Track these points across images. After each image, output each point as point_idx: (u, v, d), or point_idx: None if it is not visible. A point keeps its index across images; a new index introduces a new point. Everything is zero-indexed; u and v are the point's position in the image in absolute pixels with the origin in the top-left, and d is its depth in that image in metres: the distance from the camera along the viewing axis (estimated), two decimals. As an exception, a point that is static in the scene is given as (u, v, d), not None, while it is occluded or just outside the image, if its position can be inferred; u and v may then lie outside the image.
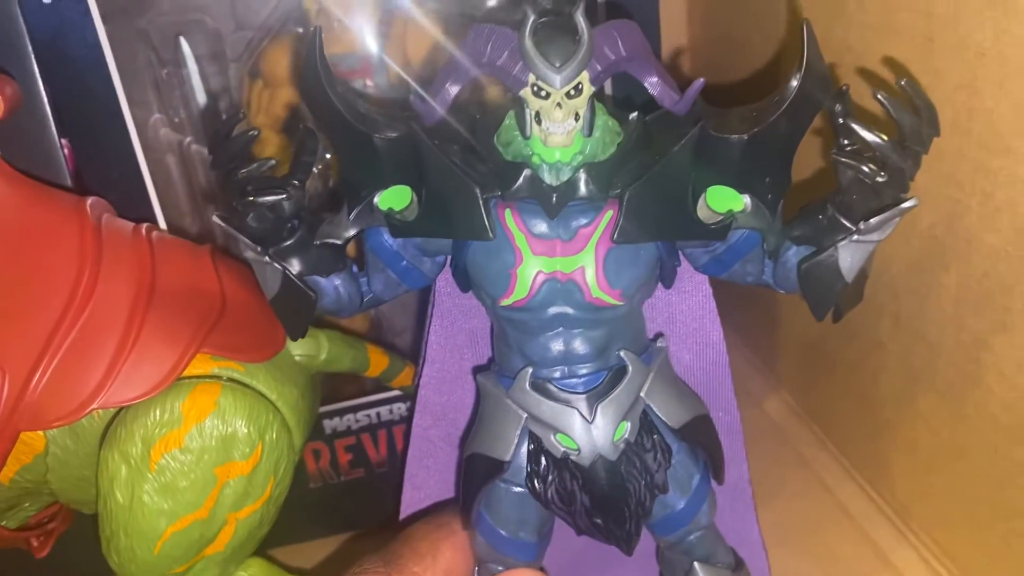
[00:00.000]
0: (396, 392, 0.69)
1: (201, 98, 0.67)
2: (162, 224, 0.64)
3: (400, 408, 0.70)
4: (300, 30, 0.67)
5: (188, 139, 0.67)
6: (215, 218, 0.44)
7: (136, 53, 0.64)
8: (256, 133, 0.43)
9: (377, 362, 0.64)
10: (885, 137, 0.40)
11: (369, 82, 0.66)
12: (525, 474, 0.47)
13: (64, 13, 0.58)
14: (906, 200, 0.41)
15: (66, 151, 0.62)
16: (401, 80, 0.66)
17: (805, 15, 0.66)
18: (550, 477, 0.47)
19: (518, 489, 0.48)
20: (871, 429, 0.68)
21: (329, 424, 0.70)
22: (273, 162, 0.43)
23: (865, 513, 0.68)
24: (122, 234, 0.55)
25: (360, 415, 0.70)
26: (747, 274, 0.47)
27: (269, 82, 0.68)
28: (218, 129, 0.43)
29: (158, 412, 0.51)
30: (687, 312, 0.52)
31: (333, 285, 0.47)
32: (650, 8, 0.65)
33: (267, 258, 0.44)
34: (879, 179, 0.41)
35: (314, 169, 0.45)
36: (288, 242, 0.45)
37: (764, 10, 0.72)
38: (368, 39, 0.66)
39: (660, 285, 0.49)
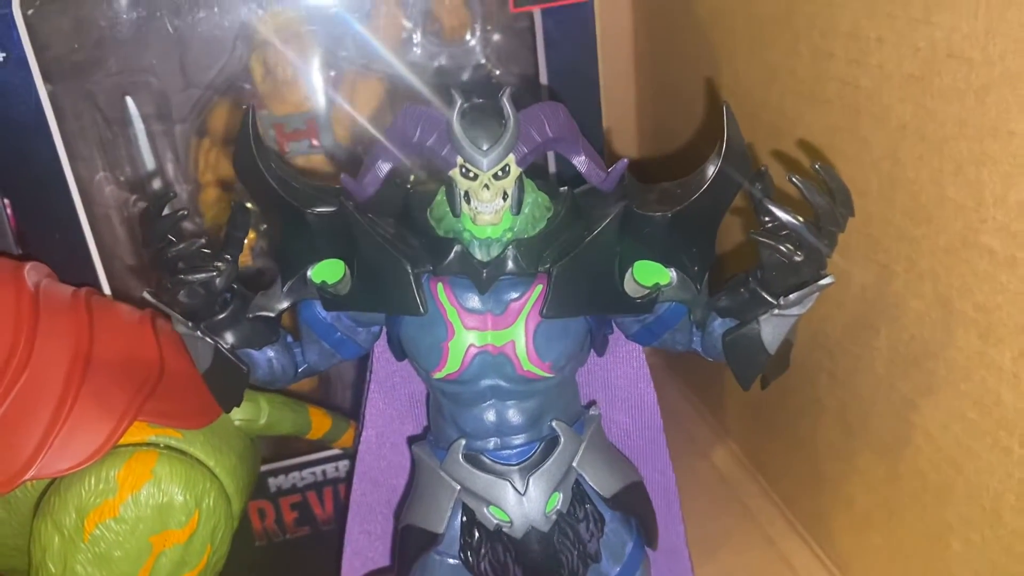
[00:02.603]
0: (342, 451, 0.69)
1: (148, 157, 0.67)
2: (105, 285, 0.64)
3: (346, 465, 0.70)
4: (247, 86, 0.67)
5: (134, 197, 0.67)
6: (145, 295, 0.44)
7: (82, 112, 0.64)
8: (186, 213, 0.43)
9: (319, 424, 0.64)
10: (801, 218, 0.42)
11: (315, 142, 0.67)
12: (459, 546, 0.48)
13: (5, 76, 0.58)
14: (824, 277, 0.43)
15: (8, 211, 0.62)
16: (348, 140, 0.67)
17: (742, 79, 0.68)
18: (483, 549, 0.47)
19: (452, 561, 0.48)
20: (813, 483, 0.69)
21: (274, 482, 0.69)
22: (203, 240, 0.43)
23: (807, 567, 0.69)
24: (60, 300, 0.55)
25: (306, 472, 0.70)
26: (676, 343, 0.48)
27: (216, 140, 0.68)
28: (148, 208, 0.44)
29: (93, 481, 0.50)
30: (622, 377, 0.53)
31: (267, 357, 0.47)
32: (590, 71, 0.66)
33: (199, 333, 0.45)
34: (796, 258, 0.42)
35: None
36: (220, 316, 0.45)
37: (707, 70, 0.74)
38: (315, 99, 0.66)
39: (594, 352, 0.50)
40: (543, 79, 0.66)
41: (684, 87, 0.79)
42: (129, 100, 0.66)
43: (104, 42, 0.62)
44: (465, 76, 0.69)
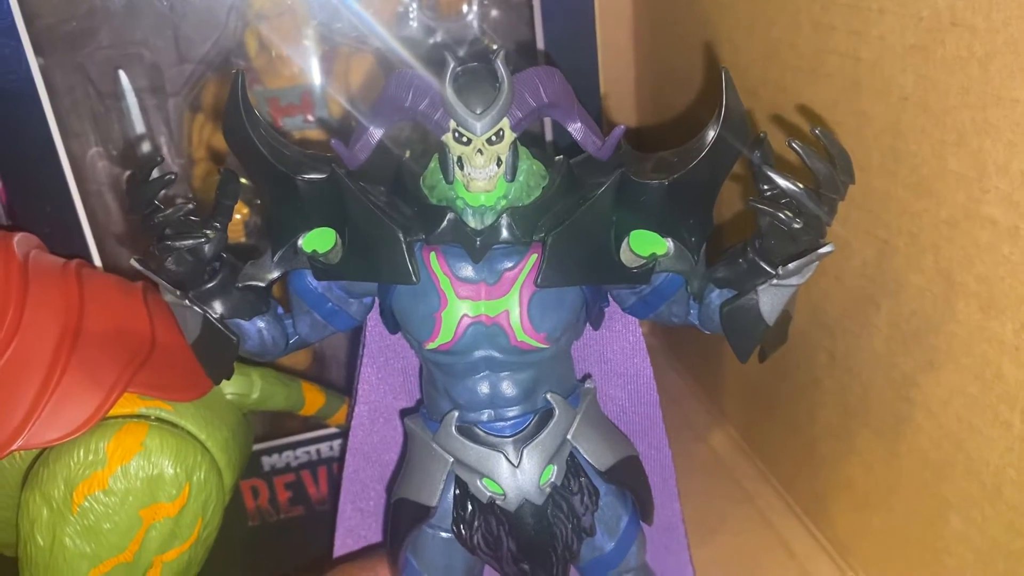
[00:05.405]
0: (337, 428, 0.69)
1: (140, 131, 0.66)
2: (96, 259, 0.63)
3: (341, 444, 0.70)
4: (242, 63, 0.66)
5: (127, 172, 0.66)
6: (133, 262, 0.43)
7: (74, 86, 0.63)
8: (173, 177, 0.42)
9: (313, 400, 0.63)
10: (801, 185, 0.41)
11: (310, 116, 0.66)
12: (451, 519, 0.47)
13: (-6, 47, 0.58)
14: (823, 245, 0.42)
15: (-2, 185, 0.61)
16: (342, 115, 0.66)
17: (741, 55, 0.67)
18: (476, 522, 0.46)
19: (445, 535, 0.48)
20: (811, 465, 0.69)
21: (268, 461, 0.69)
22: (191, 206, 0.42)
23: (806, 550, 0.68)
24: (50, 271, 0.54)
25: (300, 451, 0.69)
26: (673, 315, 0.48)
27: (210, 115, 0.67)
28: (135, 172, 0.43)
29: (82, 453, 0.50)
30: (618, 351, 0.53)
31: (256, 328, 0.47)
32: (588, 47, 0.65)
33: (187, 301, 0.44)
34: (795, 225, 0.41)
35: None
36: (209, 285, 0.44)
37: (706, 47, 0.73)
38: (309, 74, 0.66)
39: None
40: (540, 61, 0.65)
41: (683, 64, 0.78)
42: (122, 74, 0.65)
43: (95, 13, 0.62)
44: (462, 52, 0.69)
